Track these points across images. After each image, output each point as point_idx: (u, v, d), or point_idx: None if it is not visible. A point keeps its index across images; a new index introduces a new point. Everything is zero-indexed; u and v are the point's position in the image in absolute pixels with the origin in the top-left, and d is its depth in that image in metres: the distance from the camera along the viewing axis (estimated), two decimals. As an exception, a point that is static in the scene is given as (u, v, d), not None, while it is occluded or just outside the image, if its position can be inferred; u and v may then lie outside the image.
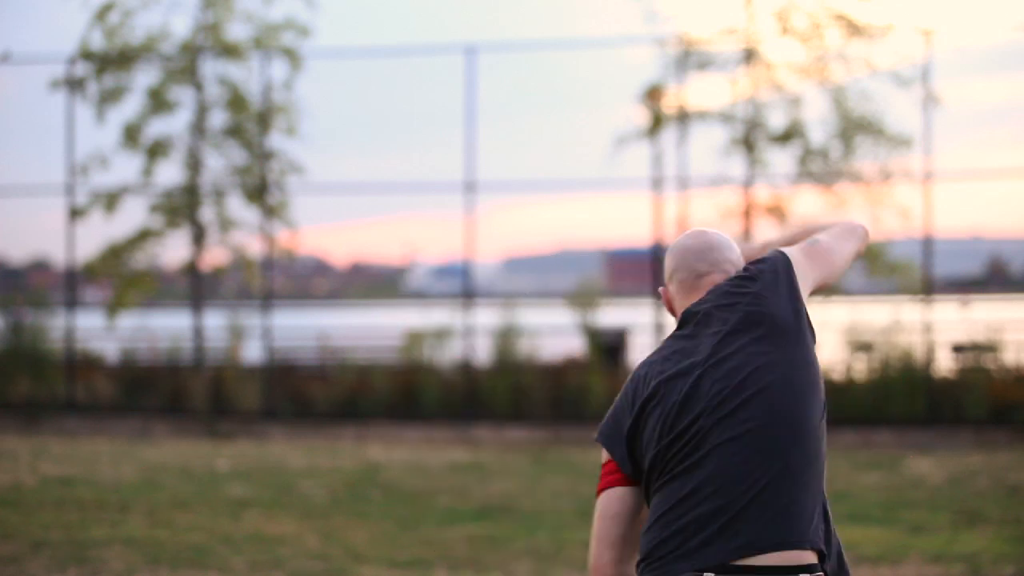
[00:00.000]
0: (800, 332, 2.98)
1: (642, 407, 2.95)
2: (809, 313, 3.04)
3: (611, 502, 2.99)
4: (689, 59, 15.09)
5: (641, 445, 2.95)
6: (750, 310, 2.98)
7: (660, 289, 3.19)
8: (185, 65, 15.82)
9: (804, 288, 3.08)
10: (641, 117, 15.29)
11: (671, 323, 4.16)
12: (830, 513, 2.91)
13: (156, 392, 15.74)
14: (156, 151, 15.68)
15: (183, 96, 15.85)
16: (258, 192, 15.87)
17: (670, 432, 2.90)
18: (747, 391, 2.88)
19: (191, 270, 16.00)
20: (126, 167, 15.93)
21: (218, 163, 15.90)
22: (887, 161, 14.76)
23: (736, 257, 3.15)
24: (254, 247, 16.12)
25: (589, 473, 11.41)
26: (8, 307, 16.72)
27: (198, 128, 15.82)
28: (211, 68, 15.89)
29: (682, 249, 3.14)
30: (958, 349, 14.84)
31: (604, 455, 3.03)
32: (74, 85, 15.88)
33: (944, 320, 15.13)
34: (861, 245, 3.35)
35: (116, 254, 15.71)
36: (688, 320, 3.05)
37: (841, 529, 7.74)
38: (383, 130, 21.26)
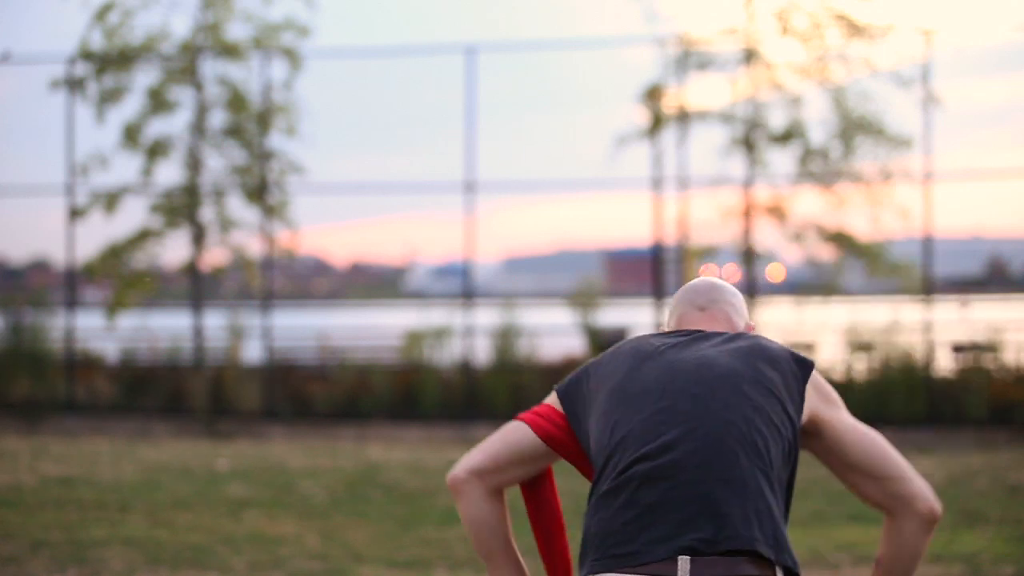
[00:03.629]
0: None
1: None
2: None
3: None
4: (689, 59, 15.09)
5: None
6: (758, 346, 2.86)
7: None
8: (185, 65, 15.82)
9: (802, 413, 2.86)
10: (641, 117, 15.30)
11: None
12: None
13: (156, 392, 15.73)
14: (156, 151, 15.67)
15: (183, 96, 15.85)
16: (258, 192, 15.86)
17: None
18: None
19: (191, 270, 16.00)
20: (126, 167, 15.94)
21: (218, 163, 15.90)
22: (887, 161, 14.75)
23: (740, 304, 3.00)
24: (254, 247, 16.12)
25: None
26: (8, 307, 16.71)
27: (198, 128, 15.81)
28: (211, 68, 15.89)
29: (684, 289, 3.04)
30: (958, 349, 14.84)
31: None
32: (74, 85, 15.88)
33: (944, 320, 15.13)
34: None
35: (116, 254, 15.70)
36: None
37: (841, 529, 7.74)
38: (383, 130, 21.24)
